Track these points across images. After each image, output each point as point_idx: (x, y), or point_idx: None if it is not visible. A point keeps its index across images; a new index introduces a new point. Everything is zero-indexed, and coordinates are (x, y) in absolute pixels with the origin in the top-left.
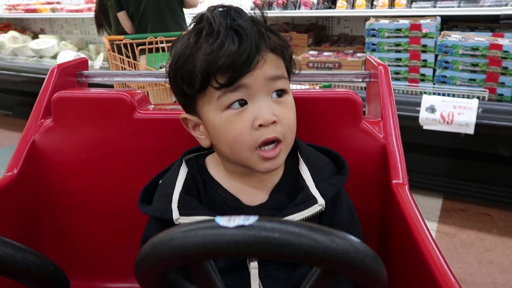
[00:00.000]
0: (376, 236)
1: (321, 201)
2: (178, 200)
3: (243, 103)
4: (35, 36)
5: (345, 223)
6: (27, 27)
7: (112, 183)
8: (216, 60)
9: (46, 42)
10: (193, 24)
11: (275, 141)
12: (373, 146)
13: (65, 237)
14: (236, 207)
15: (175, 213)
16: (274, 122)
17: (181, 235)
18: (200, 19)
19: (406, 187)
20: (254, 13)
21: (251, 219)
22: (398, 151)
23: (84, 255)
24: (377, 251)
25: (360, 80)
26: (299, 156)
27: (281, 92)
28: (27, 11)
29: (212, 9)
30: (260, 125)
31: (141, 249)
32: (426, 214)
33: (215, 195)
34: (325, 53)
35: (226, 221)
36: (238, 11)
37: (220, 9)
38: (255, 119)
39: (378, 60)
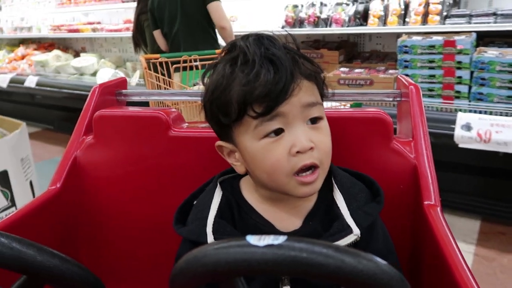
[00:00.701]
0: (406, 258)
1: (356, 231)
2: (213, 225)
3: (279, 131)
4: (76, 54)
5: (380, 251)
6: (69, 46)
7: (147, 198)
8: (253, 90)
9: (86, 60)
10: (225, 52)
11: (312, 167)
12: (404, 166)
13: (101, 249)
14: (269, 233)
15: (210, 237)
16: (311, 148)
17: (214, 252)
18: (232, 47)
19: (438, 208)
20: (286, 39)
21: (280, 239)
22: (430, 171)
23: (119, 267)
24: (408, 273)
25: (391, 99)
26: (333, 182)
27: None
28: (70, 31)
29: (246, 38)
30: (298, 152)
31: (176, 264)
32: (463, 236)
33: (249, 220)
34: (357, 70)
35: (257, 240)
36: (270, 39)
37: (253, 38)
38: (292, 146)
39: (409, 79)
